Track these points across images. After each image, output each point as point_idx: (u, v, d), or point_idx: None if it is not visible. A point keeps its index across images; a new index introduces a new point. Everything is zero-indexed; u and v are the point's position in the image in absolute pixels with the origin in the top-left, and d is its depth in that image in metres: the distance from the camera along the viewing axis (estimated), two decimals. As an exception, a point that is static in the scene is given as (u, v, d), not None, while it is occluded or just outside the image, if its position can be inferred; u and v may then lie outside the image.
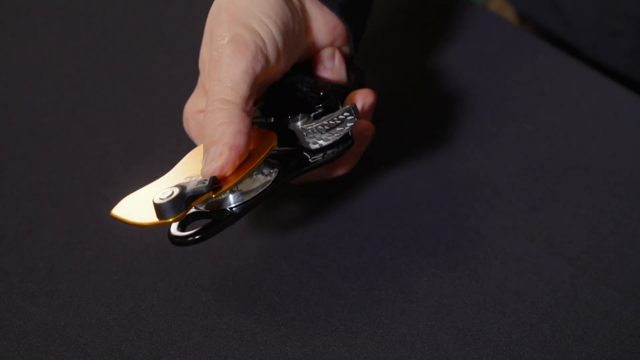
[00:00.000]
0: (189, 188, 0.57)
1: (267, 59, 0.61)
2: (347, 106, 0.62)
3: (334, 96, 0.63)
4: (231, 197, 0.60)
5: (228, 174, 0.59)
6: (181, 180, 0.60)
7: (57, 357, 0.62)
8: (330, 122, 0.62)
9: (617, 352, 0.62)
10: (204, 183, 0.57)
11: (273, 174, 0.61)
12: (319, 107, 0.63)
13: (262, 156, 0.60)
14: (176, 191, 0.57)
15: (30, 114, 0.78)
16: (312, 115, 0.63)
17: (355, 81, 0.68)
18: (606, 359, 0.62)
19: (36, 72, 0.81)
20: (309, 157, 0.63)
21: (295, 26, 0.63)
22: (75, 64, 0.82)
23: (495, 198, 0.70)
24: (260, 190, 0.61)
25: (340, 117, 0.62)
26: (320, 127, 0.62)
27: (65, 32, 0.85)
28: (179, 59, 0.82)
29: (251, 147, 0.61)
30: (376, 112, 0.75)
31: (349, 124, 0.62)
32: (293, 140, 0.63)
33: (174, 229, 0.60)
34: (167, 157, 0.73)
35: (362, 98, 0.65)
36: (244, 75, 0.60)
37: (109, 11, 0.87)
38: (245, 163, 0.60)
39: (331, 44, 0.67)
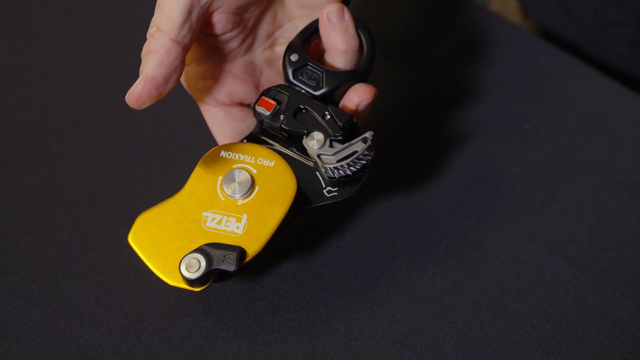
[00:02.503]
0: (216, 261, 0.58)
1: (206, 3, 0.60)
2: (365, 144, 0.61)
3: (352, 125, 0.62)
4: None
5: (146, 104, 0.58)
6: (198, 212, 0.60)
7: (57, 357, 0.62)
8: (348, 160, 0.61)
9: (618, 352, 0.62)
10: (231, 260, 0.58)
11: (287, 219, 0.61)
12: (337, 136, 0.62)
13: (283, 212, 0.60)
14: (203, 265, 0.58)
15: (30, 114, 0.78)
16: (327, 141, 0.62)
17: (364, 64, 0.66)
18: (607, 359, 0.62)
19: (36, 72, 0.81)
20: (324, 188, 0.62)
21: None
22: (76, 64, 0.82)
23: (495, 198, 0.70)
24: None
25: (359, 154, 0.61)
26: (338, 166, 0.61)
27: (66, 32, 0.85)
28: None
29: (270, 187, 0.61)
30: (377, 112, 0.75)
31: (362, 162, 0.61)
32: (305, 151, 0.63)
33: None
34: (167, 157, 0.73)
35: (359, 96, 0.63)
36: (178, 14, 0.59)
37: (109, 11, 0.87)
38: (267, 220, 0.60)
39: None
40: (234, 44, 0.64)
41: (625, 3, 0.82)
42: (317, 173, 0.62)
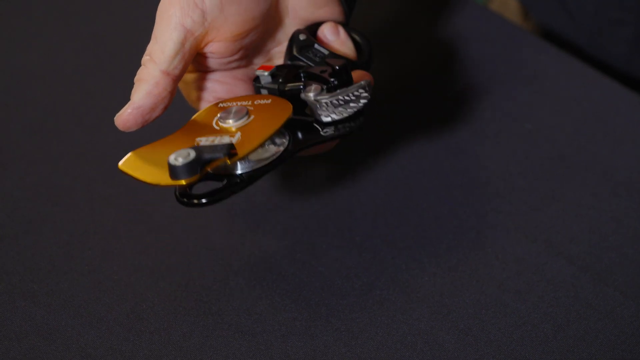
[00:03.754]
0: (206, 152, 0.57)
1: (202, 13, 0.61)
2: (362, 82, 0.61)
3: (348, 71, 0.62)
4: (239, 165, 0.60)
5: (132, 129, 0.60)
6: (192, 138, 0.60)
7: (57, 357, 0.62)
8: (345, 97, 0.61)
9: (618, 352, 0.62)
10: (221, 148, 0.57)
11: (285, 143, 0.61)
12: (333, 81, 0.62)
13: (278, 125, 0.60)
14: (192, 154, 0.57)
15: (31, 114, 0.78)
16: (324, 88, 0.62)
17: (366, 58, 0.67)
18: (607, 359, 0.62)
19: (37, 71, 0.81)
20: (321, 129, 0.62)
21: None
22: (76, 64, 0.82)
23: (496, 198, 0.70)
24: (270, 160, 0.60)
25: (355, 93, 0.61)
26: (334, 101, 0.61)
27: (66, 32, 0.85)
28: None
29: (266, 114, 0.61)
30: (376, 112, 0.75)
31: (362, 101, 0.61)
32: (303, 109, 0.63)
33: (181, 189, 0.60)
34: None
35: (357, 79, 0.64)
36: (171, 32, 0.60)
37: (109, 11, 0.87)
38: (261, 131, 0.60)
39: (317, 9, 0.66)
40: (232, 64, 0.64)
41: (625, 3, 0.83)
42: (315, 125, 0.62)
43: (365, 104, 0.61)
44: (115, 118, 0.61)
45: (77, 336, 0.63)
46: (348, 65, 0.62)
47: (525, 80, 0.78)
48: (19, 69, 0.82)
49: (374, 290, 0.65)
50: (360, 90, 0.61)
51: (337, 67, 0.62)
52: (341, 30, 0.66)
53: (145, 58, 0.61)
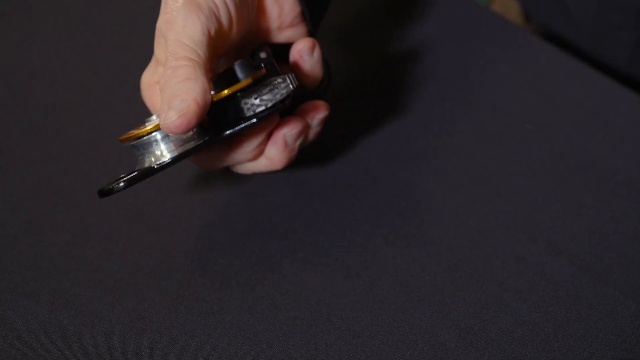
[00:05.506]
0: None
1: (220, 23, 0.62)
2: (286, 75, 0.62)
3: (274, 62, 0.63)
4: (163, 146, 0.61)
5: (190, 131, 0.60)
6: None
7: (59, 356, 0.62)
8: (266, 84, 0.62)
9: (619, 351, 0.62)
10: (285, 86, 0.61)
11: (207, 131, 0.62)
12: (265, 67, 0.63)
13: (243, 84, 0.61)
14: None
15: (31, 114, 0.78)
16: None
17: (323, 86, 0.69)
18: (608, 359, 0.62)
19: (38, 71, 0.81)
20: (244, 111, 0.62)
21: None
22: (77, 64, 0.82)
23: (496, 197, 0.71)
24: (192, 146, 0.61)
25: (274, 82, 0.62)
26: (256, 87, 0.61)
27: (67, 32, 0.85)
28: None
29: None
30: (377, 112, 0.75)
31: (283, 91, 0.62)
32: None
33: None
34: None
35: (314, 112, 0.66)
36: (201, 36, 0.60)
37: (110, 11, 0.87)
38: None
39: (281, 19, 0.67)
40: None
41: (626, 6, 0.83)
42: (238, 109, 0.62)
43: (285, 95, 0.62)
44: (169, 121, 0.58)
45: (79, 335, 0.63)
46: (274, 57, 0.64)
47: (526, 81, 0.79)
48: (19, 69, 0.82)
49: (375, 289, 0.65)
50: (279, 80, 0.62)
51: (263, 57, 0.63)
52: (317, 51, 0.67)
53: (179, 60, 0.59)
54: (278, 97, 0.62)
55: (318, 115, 0.67)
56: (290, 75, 0.63)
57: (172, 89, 0.59)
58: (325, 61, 0.69)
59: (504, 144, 0.74)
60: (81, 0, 0.89)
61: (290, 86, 0.62)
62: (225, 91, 0.61)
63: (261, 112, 0.62)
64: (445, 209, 0.70)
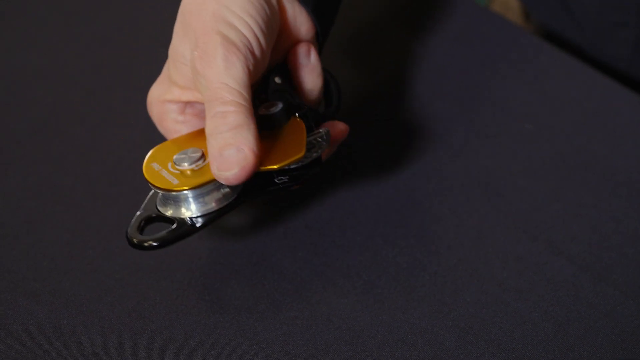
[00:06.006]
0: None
1: (255, 58, 0.61)
2: (321, 131, 0.62)
3: (310, 119, 0.63)
4: (193, 205, 0.60)
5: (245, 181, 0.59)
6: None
7: (59, 356, 0.62)
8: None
9: (619, 351, 0.62)
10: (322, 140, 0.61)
11: (238, 189, 0.61)
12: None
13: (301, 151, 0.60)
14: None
15: (33, 113, 0.78)
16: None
17: (334, 106, 0.68)
18: (608, 358, 0.62)
19: (39, 71, 0.81)
20: (275, 176, 0.62)
21: (273, 24, 0.63)
22: (79, 64, 0.82)
23: (496, 197, 0.71)
24: (224, 204, 0.61)
25: (313, 141, 0.61)
26: None
27: (68, 32, 0.85)
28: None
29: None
30: (378, 112, 0.75)
31: (319, 150, 0.61)
32: None
33: (132, 230, 0.60)
34: (169, 157, 0.73)
35: (334, 131, 0.65)
36: (244, 76, 0.59)
37: (112, 10, 0.87)
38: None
39: (297, 40, 0.67)
40: None
41: (628, 5, 0.83)
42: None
43: (320, 153, 0.61)
44: (228, 173, 0.58)
45: (79, 335, 0.63)
46: (310, 112, 0.63)
47: (526, 81, 0.79)
48: (20, 69, 0.82)
49: (375, 289, 0.65)
50: (319, 140, 0.61)
51: (298, 114, 0.62)
52: (313, 54, 0.66)
53: (226, 104, 0.58)
54: (314, 155, 0.62)
55: (338, 139, 0.66)
56: (324, 133, 0.62)
57: (224, 137, 0.58)
58: (335, 82, 0.68)
59: (504, 144, 0.74)
60: (82, 0, 0.89)
61: (326, 145, 0.62)
62: (276, 166, 0.60)
63: (296, 174, 0.62)
64: (446, 209, 0.70)
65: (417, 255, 0.67)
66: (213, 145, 0.58)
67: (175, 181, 0.60)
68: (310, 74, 0.66)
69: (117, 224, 0.69)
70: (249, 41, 0.60)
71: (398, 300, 0.65)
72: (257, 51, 0.61)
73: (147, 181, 0.60)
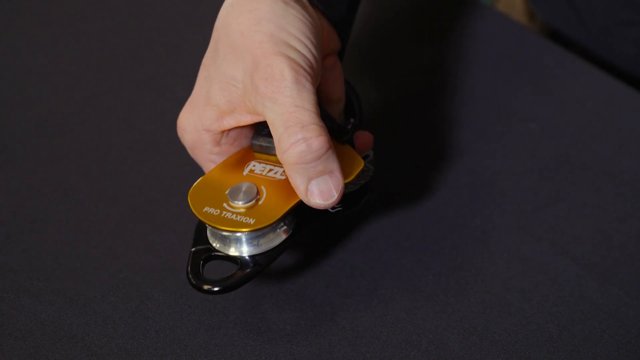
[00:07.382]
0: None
1: (318, 80, 0.60)
2: (369, 154, 0.63)
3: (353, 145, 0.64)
4: (246, 247, 0.60)
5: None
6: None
7: (63, 355, 0.62)
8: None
9: (623, 351, 0.62)
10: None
11: (292, 224, 0.61)
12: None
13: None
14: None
15: (36, 113, 0.78)
16: None
17: (358, 118, 0.68)
18: (612, 359, 0.62)
19: (42, 71, 0.81)
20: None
21: (321, 42, 0.62)
22: (81, 63, 0.82)
23: (500, 197, 0.70)
24: (283, 238, 0.61)
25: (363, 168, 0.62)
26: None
27: (71, 32, 0.85)
28: (185, 58, 0.82)
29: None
30: (379, 112, 0.75)
31: (368, 174, 0.62)
32: None
33: (194, 274, 0.60)
34: (173, 156, 0.73)
35: (363, 142, 0.66)
36: (315, 98, 0.58)
37: (114, 10, 0.87)
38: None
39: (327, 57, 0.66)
40: None
41: (634, 3, 0.83)
42: None
43: (367, 179, 0.62)
44: (329, 202, 0.59)
45: (82, 335, 0.63)
46: (351, 137, 0.64)
47: (530, 80, 0.78)
48: (23, 68, 0.82)
49: (379, 289, 0.65)
50: (368, 165, 0.61)
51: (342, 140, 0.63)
52: (339, 66, 0.66)
53: (311, 129, 0.57)
54: (366, 179, 0.63)
55: (367, 148, 0.66)
56: (371, 157, 0.63)
57: (315, 166, 0.58)
58: (355, 93, 0.68)
59: (508, 144, 0.74)
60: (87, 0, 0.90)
61: (373, 169, 0.63)
62: (347, 180, 0.60)
63: (349, 201, 0.62)
64: (449, 209, 0.70)
65: (420, 256, 0.67)
66: (300, 173, 0.58)
67: (250, 220, 0.59)
68: (336, 85, 0.66)
69: (120, 223, 0.69)
70: (309, 62, 0.59)
71: (402, 300, 0.65)
72: (317, 71, 0.60)
73: (215, 227, 0.59)
